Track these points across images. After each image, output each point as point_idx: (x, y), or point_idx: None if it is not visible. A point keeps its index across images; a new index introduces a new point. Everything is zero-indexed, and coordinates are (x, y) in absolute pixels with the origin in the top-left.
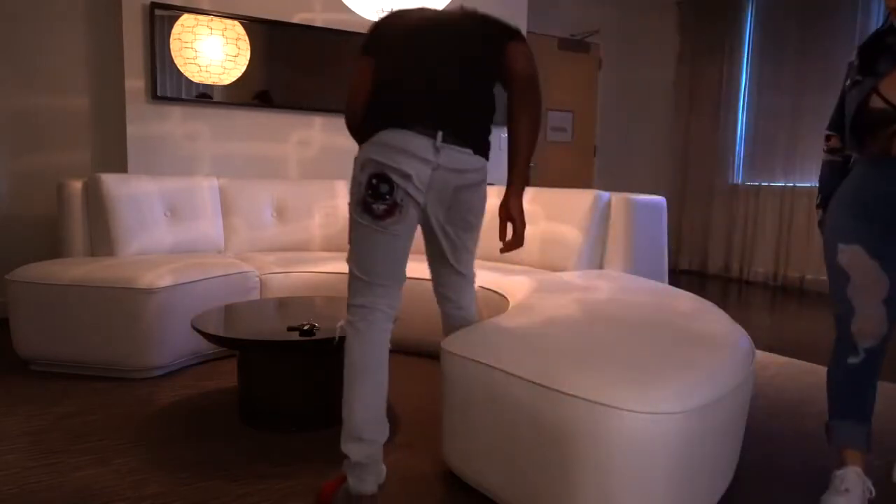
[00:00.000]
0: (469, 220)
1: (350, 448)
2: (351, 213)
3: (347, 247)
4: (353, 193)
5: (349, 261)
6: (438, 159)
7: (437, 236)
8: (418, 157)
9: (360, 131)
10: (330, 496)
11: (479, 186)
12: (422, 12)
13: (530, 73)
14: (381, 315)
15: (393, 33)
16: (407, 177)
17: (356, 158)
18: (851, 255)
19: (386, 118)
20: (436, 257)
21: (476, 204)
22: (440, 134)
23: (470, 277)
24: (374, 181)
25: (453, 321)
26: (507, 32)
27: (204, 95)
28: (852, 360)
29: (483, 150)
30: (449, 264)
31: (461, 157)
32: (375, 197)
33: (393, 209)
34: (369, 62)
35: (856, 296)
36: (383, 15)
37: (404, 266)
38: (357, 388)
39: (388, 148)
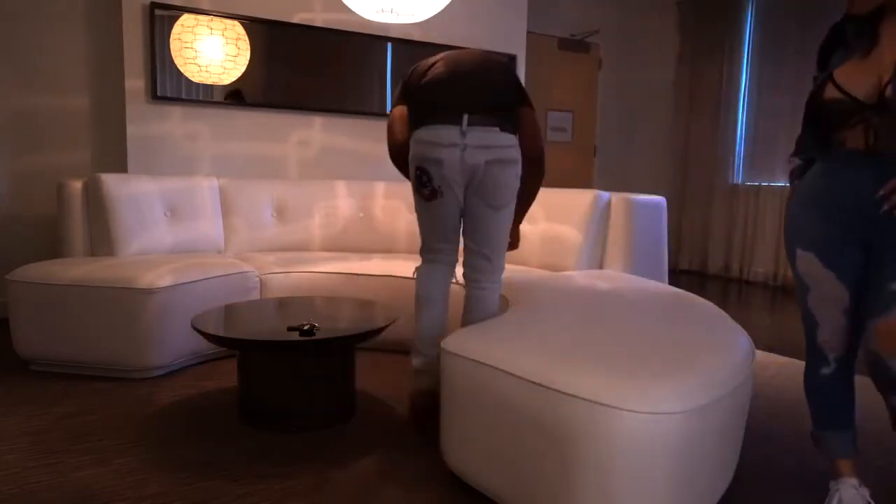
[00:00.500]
0: (498, 196)
1: (413, 359)
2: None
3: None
4: (411, 180)
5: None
6: (466, 140)
7: (467, 212)
8: (446, 144)
9: (402, 159)
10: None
11: (510, 164)
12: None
13: (537, 152)
14: (438, 266)
15: (425, 66)
16: (439, 162)
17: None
18: (808, 264)
19: (420, 120)
20: (466, 235)
21: (504, 180)
22: (465, 118)
23: (497, 265)
24: (417, 172)
25: (472, 301)
26: (523, 94)
27: (235, 94)
28: (824, 370)
29: (510, 127)
30: (474, 243)
31: (487, 134)
32: (420, 185)
33: (435, 193)
34: (404, 107)
35: (816, 307)
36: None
37: (455, 233)
38: (420, 314)
39: (423, 143)
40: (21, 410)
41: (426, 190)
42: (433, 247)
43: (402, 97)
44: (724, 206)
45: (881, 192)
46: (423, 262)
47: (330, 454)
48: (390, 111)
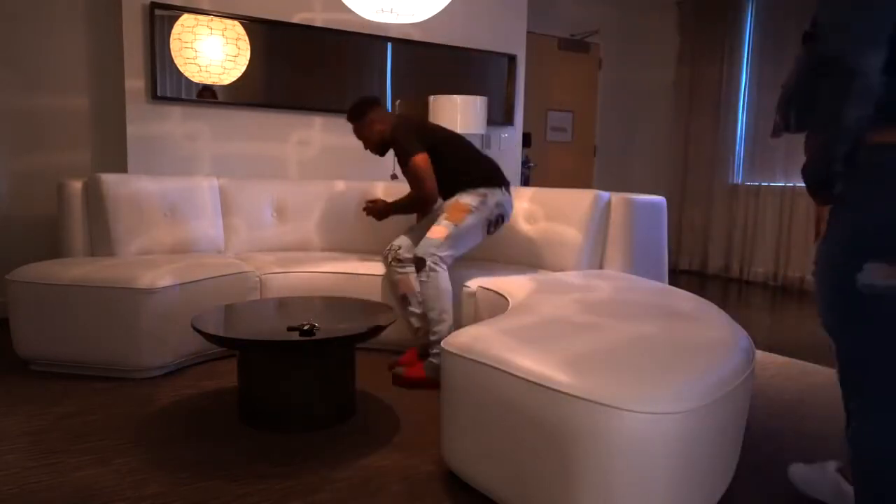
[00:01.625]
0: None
1: (443, 335)
2: (468, 215)
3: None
4: (479, 209)
5: (446, 237)
6: (511, 199)
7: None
8: (509, 203)
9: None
10: (418, 375)
11: None
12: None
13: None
14: (448, 267)
15: (435, 130)
16: (508, 215)
17: (488, 197)
18: None
19: (492, 182)
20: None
21: None
22: (506, 185)
23: None
24: (498, 220)
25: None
26: None
27: (207, 91)
28: None
29: None
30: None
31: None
32: (493, 226)
33: (497, 228)
34: (426, 155)
35: None
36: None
37: None
38: (447, 303)
39: (503, 204)
40: (21, 410)
41: (493, 228)
42: (456, 254)
43: (421, 143)
44: (724, 206)
45: None
46: (445, 267)
47: (330, 454)
48: (418, 158)
